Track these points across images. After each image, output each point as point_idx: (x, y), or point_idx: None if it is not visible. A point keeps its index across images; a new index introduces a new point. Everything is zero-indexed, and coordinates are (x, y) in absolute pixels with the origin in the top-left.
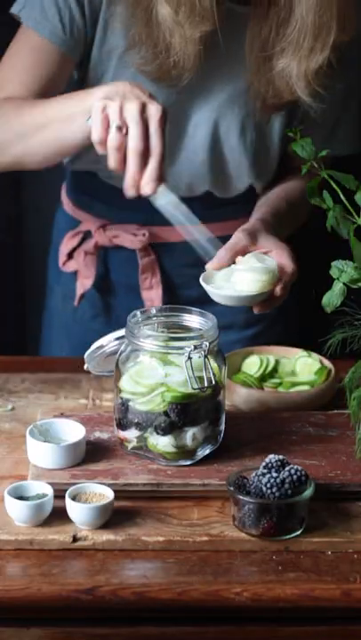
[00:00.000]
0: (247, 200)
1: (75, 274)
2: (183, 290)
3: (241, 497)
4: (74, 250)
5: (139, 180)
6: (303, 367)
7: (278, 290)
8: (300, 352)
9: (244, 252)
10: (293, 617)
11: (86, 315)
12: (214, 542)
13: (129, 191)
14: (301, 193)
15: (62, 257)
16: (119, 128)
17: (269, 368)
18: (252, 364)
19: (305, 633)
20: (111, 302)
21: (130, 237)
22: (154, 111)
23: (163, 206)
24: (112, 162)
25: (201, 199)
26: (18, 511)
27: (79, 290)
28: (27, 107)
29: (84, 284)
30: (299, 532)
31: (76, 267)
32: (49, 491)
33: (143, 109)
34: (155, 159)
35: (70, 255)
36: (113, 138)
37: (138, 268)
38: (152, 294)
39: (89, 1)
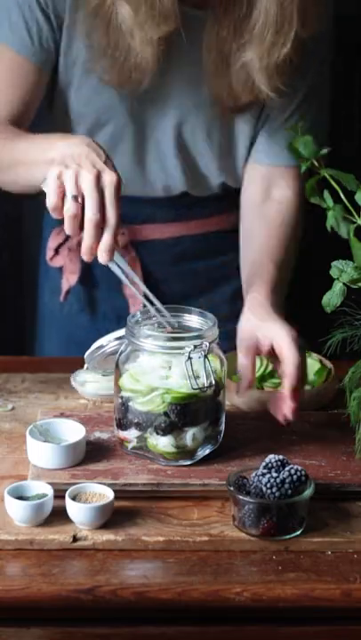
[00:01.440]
0: (224, 197)
1: (61, 269)
2: (165, 285)
3: (241, 497)
4: (60, 246)
5: (95, 248)
6: None
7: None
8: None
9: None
10: (293, 617)
11: (73, 309)
12: (214, 542)
13: (84, 257)
14: (285, 251)
15: (49, 252)
16: (75, 197)
17: (269, 368)
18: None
19: (305, 633)
20: (96, 297)
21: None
22: (109, 181)
23: (116, 270)
24: (68, 229)
25: (179, 198)
26: (18, 511)
27: (64, 285)
28: (4, 140)
29: (69, 279)
30: (299, 532)
31: (62, 262)
32: (49, 491)
33: (98, 178)
34: (110, 230)
35: (57, 251)
36: (69, 208)
37: None
38: (132, 291)
39: (54, 9)
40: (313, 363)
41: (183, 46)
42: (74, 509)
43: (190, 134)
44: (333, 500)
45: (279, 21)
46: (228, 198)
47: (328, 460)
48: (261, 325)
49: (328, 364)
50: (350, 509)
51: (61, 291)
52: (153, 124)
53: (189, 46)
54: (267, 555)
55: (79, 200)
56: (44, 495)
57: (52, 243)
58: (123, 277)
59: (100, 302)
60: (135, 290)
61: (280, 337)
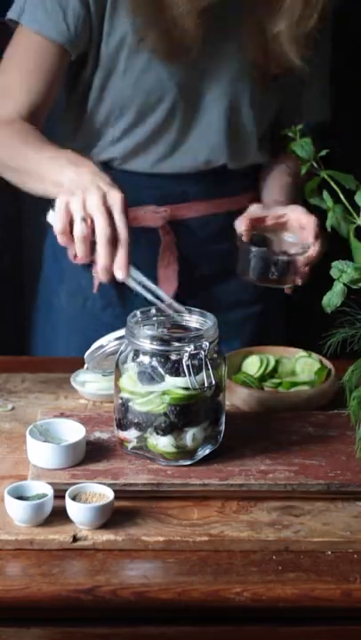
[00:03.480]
0: (254, 173)
1: (81, 269)
2: (198, 266)
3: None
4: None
5: (110, 267)
6: (303, 367)
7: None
8: (299, 352)
9: (258, 221)
10: (293, 617)
11: (97, 306)
12: (214, 542)
13: (102, 277)
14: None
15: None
16: (84, 219)
17: (269, 368)
18: (252, 364)
19: (305, 633)
20: (123, 292)
21: (151, 215)
22: (115, 199)
23: (134, 285)
24: (80, 252)
25: (215, 173)
26: (18, 511)
27: (96, 280)
28: (18, 145)
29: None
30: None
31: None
32: (49, 491)
33: (105, 198)
34: (123, 246)
35: None
36: (79, 229)
37: (154, 249)
38: (169, 272)
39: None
40: (313, 362)
41: (226, 16)
42: (74, 509)
43: (239, 100)
44: (333, 500)
45: None
46: (258, 174)
47: (328, 460)
48: (276, 206)
49: (328, 364)
50: (350, 509)
51: (84, 289)
52: (201, 97)
53: (232, 16)
54: (267, 555)
55: (88, 222)
56: (44, 495)
57: None
58: (142, 291)
59: (127, 298)
60: (157, 301)
61: (300, 211)
